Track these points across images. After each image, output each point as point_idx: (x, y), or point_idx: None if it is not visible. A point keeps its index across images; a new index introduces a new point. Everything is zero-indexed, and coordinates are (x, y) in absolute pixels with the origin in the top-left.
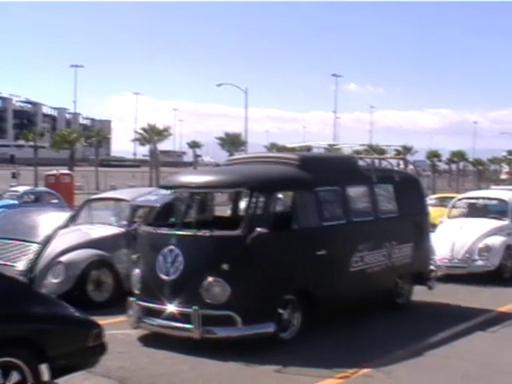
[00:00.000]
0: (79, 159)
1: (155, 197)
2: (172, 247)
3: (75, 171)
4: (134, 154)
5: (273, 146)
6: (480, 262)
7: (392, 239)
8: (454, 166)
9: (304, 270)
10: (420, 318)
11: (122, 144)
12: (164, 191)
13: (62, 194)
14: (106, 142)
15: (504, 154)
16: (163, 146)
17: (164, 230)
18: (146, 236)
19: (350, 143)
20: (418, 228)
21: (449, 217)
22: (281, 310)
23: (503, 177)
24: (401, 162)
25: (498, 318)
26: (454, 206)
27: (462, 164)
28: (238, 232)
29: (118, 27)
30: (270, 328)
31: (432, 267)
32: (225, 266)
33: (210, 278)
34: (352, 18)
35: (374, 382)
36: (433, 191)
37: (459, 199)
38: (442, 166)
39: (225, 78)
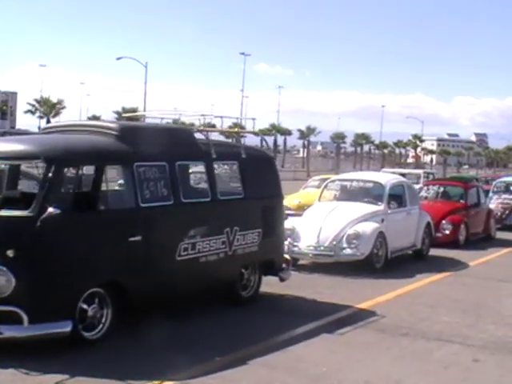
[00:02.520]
0: None
1: None
2: None
3: None
4: (39, 128)
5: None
6: (348, 251)
7: (234, 224)
8: (359, 149)
9: (113, 259)
10: (263, 315)
11: (29, 117)
12: None
13: None
14: (11, 114)
15: (410, 137)
16: (65, 119)
17: None
18: None
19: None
20: (269, 212)
21: (320, 199)
22: (84, 306)
23: (410, 160)
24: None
25: (354, 317)
26: (326, 188)
27: (368, 147)
28: (27, 212)
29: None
30: (66, 327)
31: (286, 256)
32: (10, 253)
33: None
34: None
35: None
36: (336, 173)
37: (332, 180)
38: (350, 148)
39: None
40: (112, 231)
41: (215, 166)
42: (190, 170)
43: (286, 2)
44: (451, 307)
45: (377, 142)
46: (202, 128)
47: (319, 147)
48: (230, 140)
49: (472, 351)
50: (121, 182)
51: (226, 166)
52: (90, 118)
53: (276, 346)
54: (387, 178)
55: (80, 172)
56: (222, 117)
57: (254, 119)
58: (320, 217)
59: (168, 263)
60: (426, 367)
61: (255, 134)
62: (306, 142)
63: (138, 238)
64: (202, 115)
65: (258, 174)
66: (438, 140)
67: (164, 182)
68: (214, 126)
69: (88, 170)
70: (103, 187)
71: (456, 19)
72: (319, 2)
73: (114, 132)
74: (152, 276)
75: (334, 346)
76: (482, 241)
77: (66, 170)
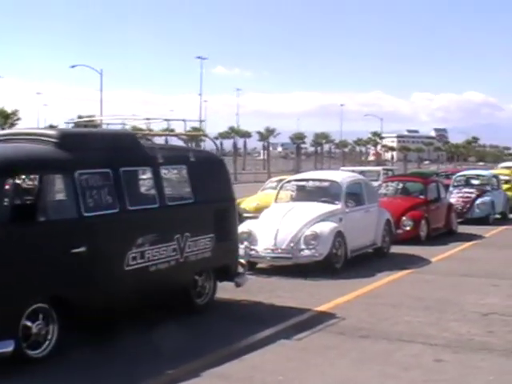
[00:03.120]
0: None
1: None
2: None
3: None
4: None
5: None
6: (306, 252)
7: (185, 230)
8: (320, 149)
9: (56, 273)
10: (219, 323)
11: None
12: None
13: None
14: None
15: (369, 135)
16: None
17: None
18: None
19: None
20: (221, 216)
21: (276, 201)
22: (28, 323)
23: (371, 158)
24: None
25: (312, 321)
26: (282, 189)
27: (328, 146)
28: None
29: None
30: (8, 347)
31: (242, 260)
32: None
33: None
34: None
35: None
36: (295, 173)
37: (288, 181)
38: (311, 148)
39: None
40: (53, 243)
41: (163, 170)
42: (134, 176)
43: (241, 4)
44: (413, 306)
45: (337, 141)
46: (147, 132)
47: (280, 148)
48: (190, 144)
49: (434, 351)
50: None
51: (174, 171)
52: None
53: (231, 355)
54: (344, 176)
55: (12, 181)
56: (167, 120)
57: (202, 121)
58: (276, 219)
59: (116, 274)
60: (386, 370)
61: (205, 136)
62: (265, 144)
63: (82, 249)
64: (147, 119)
65: (208, 178)
66: (398, 137)
67: (108, 189)
68: (172, 130)
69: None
70: (45, 197)
71: (410, 16)
72: (275, 3)
73: (52, 139)
74: (99, 288)
75: (292, 352)
76: (444, 236)
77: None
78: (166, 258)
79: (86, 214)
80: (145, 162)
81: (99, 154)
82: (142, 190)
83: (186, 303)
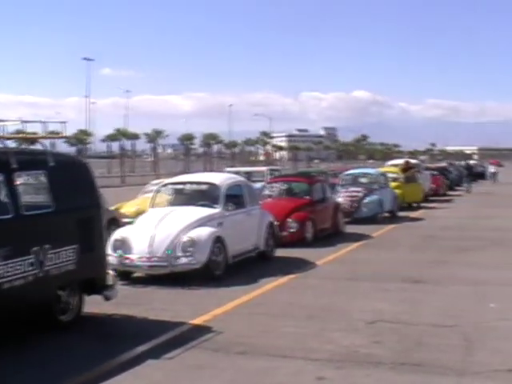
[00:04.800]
0: None
1: None
2: None
3: None
4: None
5: (19, 132)
6: (184, 260)
7: (45, 242)
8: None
9: None
10: (85, 342)
11: None
12: None
13: None
14: None
15: (259, 135)
16: None
17: None
18: None
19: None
20: (86, 225)
21: (152, 206)
22: None
23: (262, 158)
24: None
25: (186, 336)
26: (158, 193)
27: (217, 146)
28: None
29: None
30: None
31: (111, 272)
32: None
33: None
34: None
35: None
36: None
37: (164, 185)
38: (200, 149)
39: None
40: None
41: (18, 177)
42: None
43: (127, 5)
44: (296, 315)
45: (226, 141)
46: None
47: (170, 150)
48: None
49: (316, 367)
50: None
51: (30, 177)
52: None
53: (94, 380)
54: (223, 178)
55: None
56: (26, 122)
57: (64, 122)
58: (152, 225)
59: None
60: None
61: (67, 137)
62: (153, 146)
63: None
64: (1, 120)
65: (70, 184)
66: (288, 136)
67: None
68: (58, 133)
69: None
70: None
71: (296, 17)
72: (162, 3)
73: None
74: None
75: (159, 374)
76: (331, 237)
77: None
78: (21, 274)
79: None
80: None
81: None
82: None
83: (49, 321)
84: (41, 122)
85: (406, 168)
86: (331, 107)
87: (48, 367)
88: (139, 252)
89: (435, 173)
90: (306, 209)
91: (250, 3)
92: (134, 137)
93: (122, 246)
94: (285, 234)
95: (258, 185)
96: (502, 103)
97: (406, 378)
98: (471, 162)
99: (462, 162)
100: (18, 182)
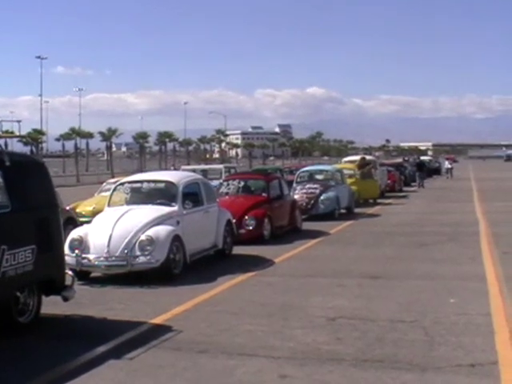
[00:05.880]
0: None
1: None
2: None
3: None
4: None
5: None
6: (142, 259)
7: (1, 243)
8: (164, 148)
9: None
10: (44, 342)
11: None
12: None
13: None
14: None
15: (214, 133)
16: None
17: None
18: None
19: None
20: (44, 225)
21: (109, 205)
22: None
23: (217, 155)
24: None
25: (146, 336)
26: (115, 191)
27: (172, 144)
28: None
29: None
30: None
31: (69, 272)
32: None
33: None
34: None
35: None
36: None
37: (121, 183)
38: (155, 147)
39: None
40: None
41: None
42: None
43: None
44: (256, 313)
45: (181, 139)
46: None
47: (124, 148)
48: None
49: (278, 365)
50: None
51: None
52: None
53: (53, 382)
54: (180, 176)
55: None
56: None
57: (18, 122)
58: (109, 224)
59: None
60: None
61: (22, 137)
62: (108, 144)
63: None
64: None
65: (27, 183)
66: (243, 133)
67: None
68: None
69: None
70: None
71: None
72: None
73: None
74: None
75: (122, 374)
76: (289, 234)
77: None
78: None
79: None
80: None
81: None
82: None
83: (7, 322)
84: None
85: (362, 164)
86: (286, 104)
87: (7, 369)
88: (97, 252)
89: (391, 169)
90: (263, 206)
91: None
92: (89, 136)
93: (80, 245)
94: (242, 231)
95: (214, 182)
96: (457, 99)
97: (369, 375)
98: (425, 157)
99: (414, 157)
100: None
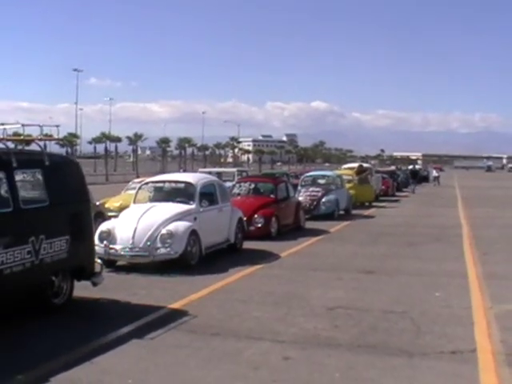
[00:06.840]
0: None
1: None
2: None
3: None
4: None
5: (17, 135)
6: (163, 250)
7: (40, 232)
8: (184, 152)
9: None
10: (75, 322)
11: None
12: None
13: None
14: None
15: (228, 140)
16: None
17: None
18: None
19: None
20: (77, 218)
21: (135, 202)
22: None
23: (230, 160)
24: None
25: (165, 318)
26: (140, 190)
27: (191, 149)
28: None
29: None
30: None
31: (98, 260)
32: None
33: None
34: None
35: None
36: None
37: (146, 183)
38: (176, 151)
39: None
40: None
41: (17, 174)
42: None
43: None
44: (263, 301)
45: (199, 144)
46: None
47: (148, 151)
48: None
49: (282, 348)
50: None
51: (28, 174)
52: None
53: (84, 357)
54: (198, 178)
55: None
56: (24, 125)
57: (57, 126)
58: (134, 218)
59: None
60: (235, 370)
61: (60, 140)
62: (134, 148)
63: None
64: (2, 124)
65: (63, 181)
66: (254, 141)
67: None
68: (51, 135)
69: None
70: None
71: (262, 28)
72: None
73: None
74: None
75: (143, 352)
76: (293, 231)
77: None
78: (20, 261)
79: None
80: None
81: None
82: None
83: (44, 303)
84: (38, 125)
85: (360, 171)
86: (293, 116)
87: (42, 345)
88: (123, 243)
89: (385, 176)
90: (271, 206)
91: (224, 15)
92: (117, 139)
93: (108, 237)
94: (252, 228)
95: (228, 184)
96: (444, 115)
97: (363, 359)
98: (417, 166)
99: (410, 167)
100: (17, 179)
